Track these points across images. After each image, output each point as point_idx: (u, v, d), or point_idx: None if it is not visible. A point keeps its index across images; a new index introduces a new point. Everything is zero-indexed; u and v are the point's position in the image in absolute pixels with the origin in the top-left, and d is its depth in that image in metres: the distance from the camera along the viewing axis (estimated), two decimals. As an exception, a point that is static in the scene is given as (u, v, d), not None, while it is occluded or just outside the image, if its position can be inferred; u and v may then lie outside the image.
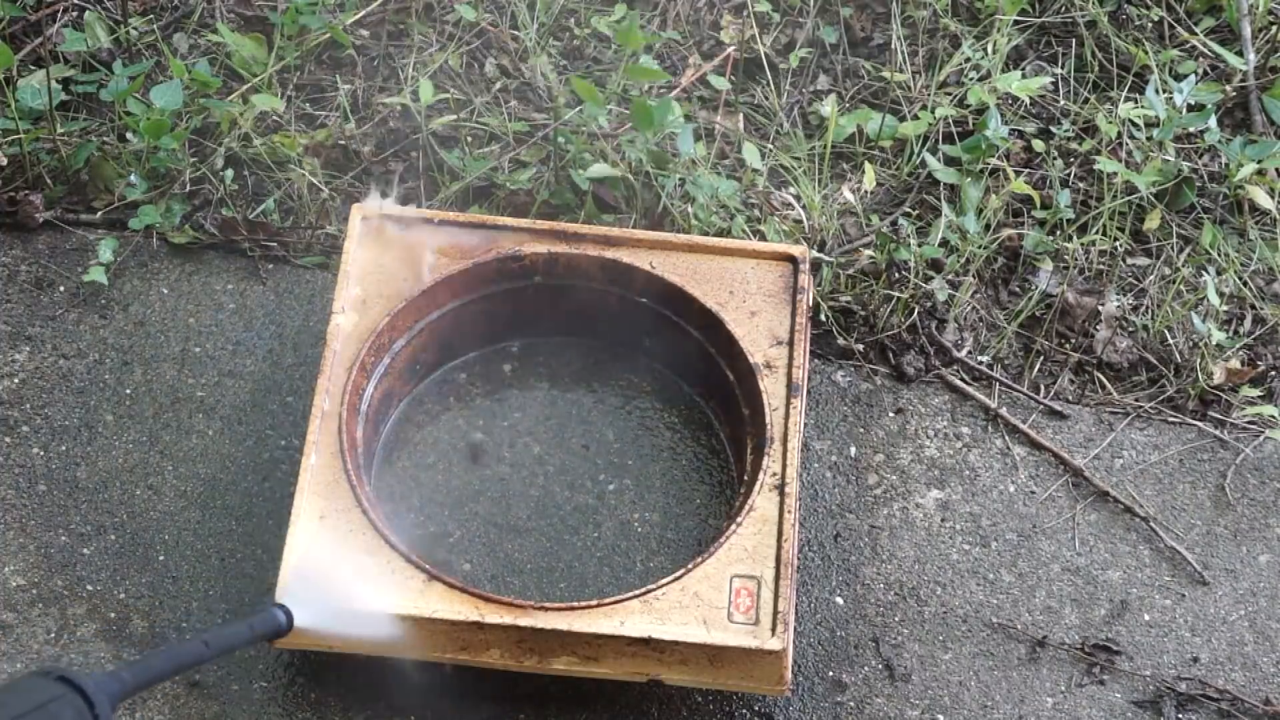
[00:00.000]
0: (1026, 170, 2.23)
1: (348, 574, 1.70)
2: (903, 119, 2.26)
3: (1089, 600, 1.91)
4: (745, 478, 1.83)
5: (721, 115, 2.28)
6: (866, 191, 2.19)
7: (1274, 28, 2.39)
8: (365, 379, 1.87)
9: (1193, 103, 2.25)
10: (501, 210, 2.15)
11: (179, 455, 1.96)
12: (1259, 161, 2.20)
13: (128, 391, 2.02)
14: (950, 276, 2.13)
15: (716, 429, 1.96)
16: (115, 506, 1.92)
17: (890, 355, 2.09)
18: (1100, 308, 2.12)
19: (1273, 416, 2.04)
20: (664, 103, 2.14)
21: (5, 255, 2.14)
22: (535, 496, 1.92)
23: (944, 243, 2.12)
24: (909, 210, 2.19)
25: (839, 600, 1.90)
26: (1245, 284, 2.16)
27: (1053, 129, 2.28)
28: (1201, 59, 2.36)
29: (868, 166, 2.19)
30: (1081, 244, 2.16)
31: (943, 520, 1.96)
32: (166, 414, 2.00)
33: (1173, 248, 2.19)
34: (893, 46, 2.32)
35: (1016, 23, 2.34)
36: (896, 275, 2.11)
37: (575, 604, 1.70)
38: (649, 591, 1.70)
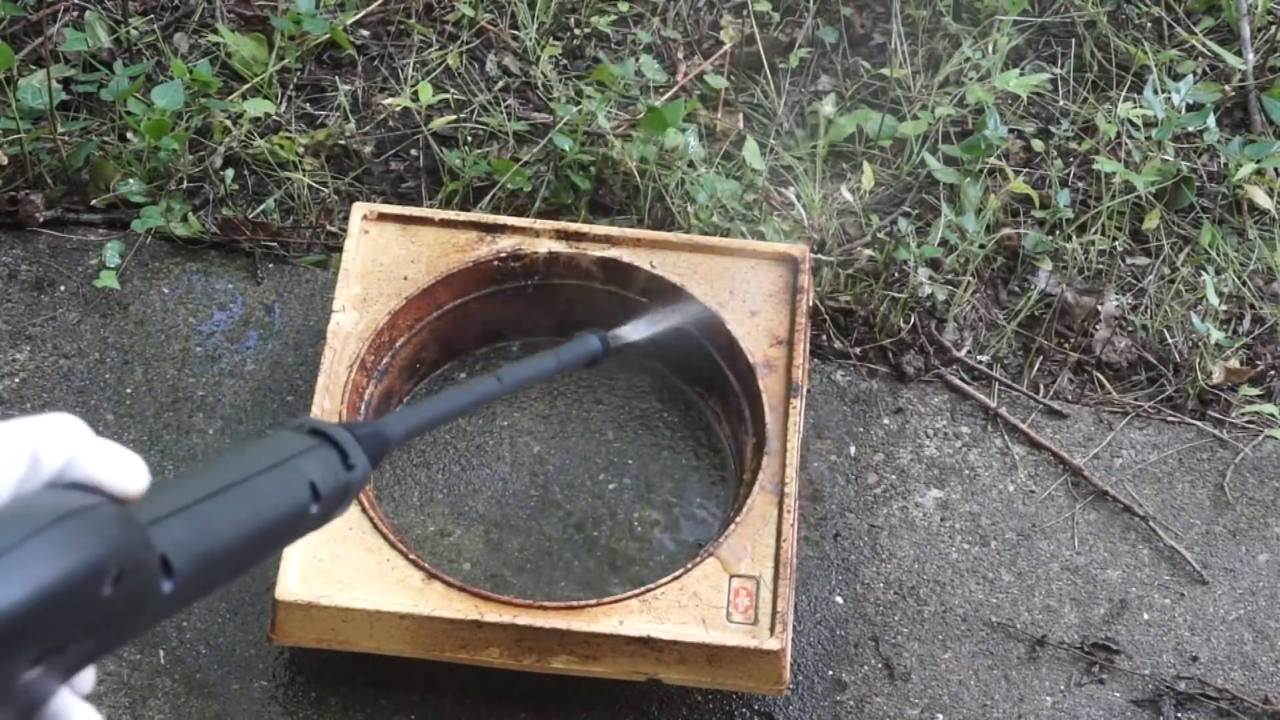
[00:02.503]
0: (1026, 170, 2.23)
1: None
2: (902, 119, 2.26)
3: (1088, 599, 1.91)
4: (745, 478, 1.83)
5: (722, 115, 2.29)
6: (866, 191, 2.19)
7: (1273, 27, 2.39)
8: (365, 378, 1.87)
9: (1191, 102, 2.25)
10: (501, 210, 2.15)
11: (179, 455, 1.96)
12: (1258, 161, 2.20)
13: (128, 391, 2.02)
14: (950, 276, 2.13)
15: (716, 429, 1.96)
16: (115, 506, 1.92)
17: (890, 355, 2.09)
18: (1099, 307, 2.12)
19: (1272, 415, 2.04)
20: (674, 105, 2.14)
21: (6, 255, 2.14)
22: (535, 496, 1.92)
23: (943, 242, 2.13)
24: (908, 210, 2.19)
25: (838, 599, 1.90)
26: (1244, 283, 2.16)
27: (1052, 129, 2.28)
28: (1200, 59, 2.36)
29: (866, 166, 2.19)
30: (1081, 243, 2.16)
31: (942, 519, 1.97)
32: (167, 413, 2.00)
33: (1172, 247, 2.19)
34: (893, 46, 2.33)
35: (1016, 22, 2.35)
36: (896, 275, 2.11)
37: (574, 603, 1.70)
38: (648, 591, 1.70)
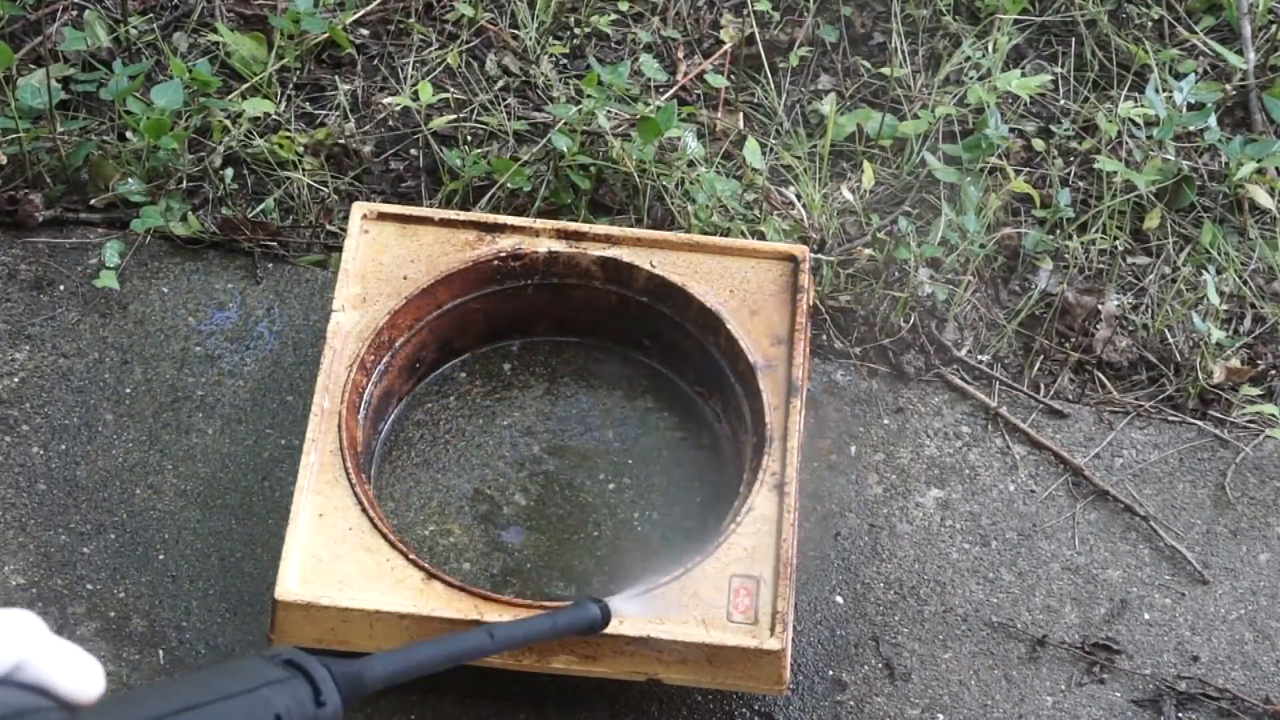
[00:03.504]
0: (1026, 169, 2.23)
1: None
2: (902, 118, 2.26)
3: (1089, 599, 1.91)
4: (745, 477, 1.83)
5: (721, 114, 2.28)
6: (866, 191, 2.19)
7: (1274, 27, 2.39)
8: (365, 377, 1.87)
9: (1192, 102, 2.25)
10: (501, 210, 2.15)
11: (179, 454, 1.96)
12: (1259, 160, 2.20)
13: (127, 390, 2.02)
14: (950, 275, 2.13)
15: (716, 429, 1.96)
16: (115, 505, 1.92)
17: (890, 354, 2.09)
18: (1100, 307, 2.12)
19: (1273, 415, 2.04)
20: (666, 110, 2.14)
21: (5, 254, 2.14)
22: (535, 496, 1.92)
23: (944, 242, 2.12)
24: (909, 209, 2.19)
25: (839, 599, 1.90)
26: (1245, 283, 2.16)
27: (1052, 128, 2.28)
28: (1201, 58, 2.36)
29: (867, 166, 2.19)
30: (1081, 243, 2.16)
31: (943, 519, 1.96)
32: (166, 413, 2.00)
33: (1173, 247, 2.19)
34: (893, 45, 2.32)
35: (1017, 22, 2.34)
36: (896, 275, 2.11)
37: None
38: (648, 591, 1.70)
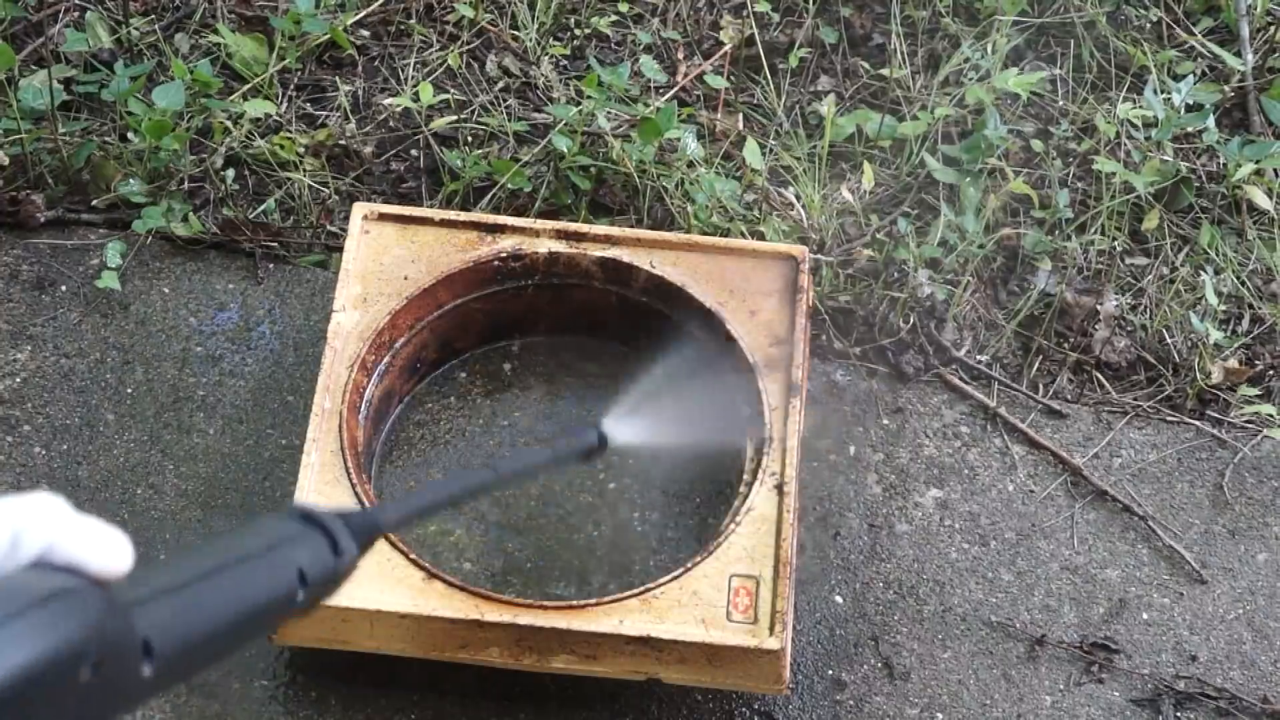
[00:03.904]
0: (1025, 170, 2.24)
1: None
2: (902, 119, 2.26)
3: (1087, 599, 1.91)
4: (745, 477, 1.83)
5: (721, 115, 2.29)
6: (866, 191, 2.19)
7: (1272, 28, 2.39)
8: (366, 377, 1.87)
9: (1191, 103, 2.25)
10: (502, 210, 2.15)
11: (180, 454, 1.96)
12: (1257, 162, 2.20)
13: (129, 391, 2.02)
14: (949, 276, 2.13)
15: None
16: (116, 505, 1.92)
17: (889, 355, 2.09)
18: (1099, 307, 2.12)
19: (1271, 415, 2.04)
20: (666, 110, 2.14)
21: (6, 255, 2.14)
22: (535, 496, 1.92)
23: (943, 242, 2.13)
24: (908, 210, 2.19)
25: (838, 599, 1.90)
26: (1243, 283, 2.16)
27: (1051, 129, 2.28)
28: (1200, 59, 2.36)
29: (867, 166, 2.19)
30: (1080, 244, 2.16)
31: (942, 519, 1.97)
32: (167, 413, 2.00)
33: (1171, 247, 2.19)
34: (892, 46, 2.33)
35: (1016, 23, 2.35)
36: (896, 275, 2.12)
37: (574, 603, 1.71)
38: (648, 590, 1.71)
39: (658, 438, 1.51)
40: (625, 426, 1.41)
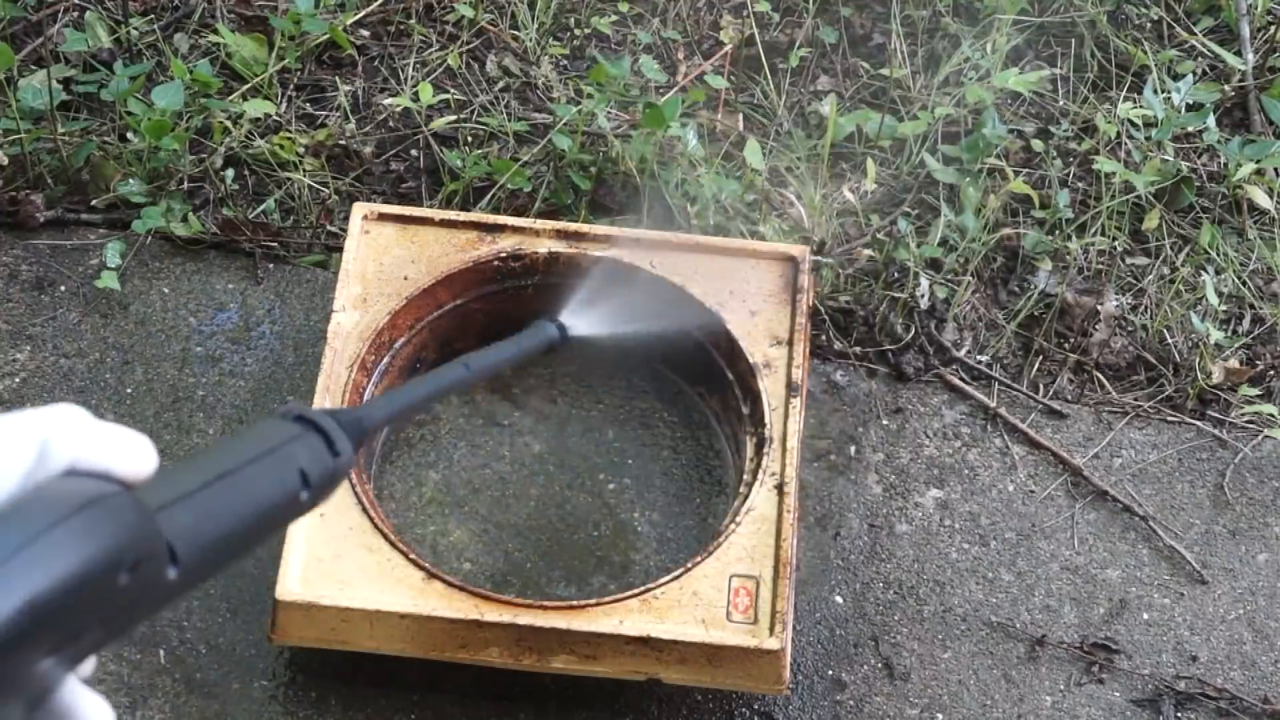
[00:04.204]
0: (1025, 170, 2.23)
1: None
2: (902, 119, 2.26)
3: (1088, 599, 1.91)
4: (745, 477, 1.83)
5: (721, 115, 2.29)
6: (867, 191, 2.19)
7: (1272, 28, 2.39)
8: (366, 378, 1.87)
9: (1191, 102, 2.25)
10: (501, 210, 2.15)
11: (180, 454, 1.96)
12: (1257, 161, 2.20)
13: (129, 391, 2.02)
14: (949, 276, 2.13)
15: (716, 429, 1.96)
16: (116, 506, 1.92)
17: (889, 355, 2.09)
18: (1099, 307, 2.12)
19: (1271, 415, 2.04)
20: (671, 100, 2.14)
21: (6, 255, 2.14)
22: (535, 496, 1.92)
23: (943, 242, 2.13)
24: (908, 210, 2.19)
25: (838, 599, 1.90)
26: (1244, 283, 2.16)
27: (1051, 129, 2.28)
28: (1200, 59, 2.36)
29: (870, 165, 2.19)
30: (1080, 244, 2.16)
31: (942, 519, 1.97)
32: (167, 413, 2.00)
33: (1171, 247, 2.19)
34: (892, 46, 2.33)
35: (1016, 22, 2.35)
36: (896, 275, 2.12)
37: (574, 603, 1.70)
38: (648, 590, 1.71)
39: (614, 328, 1.54)
40: (581, 319, 1.44)
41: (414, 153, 2.24)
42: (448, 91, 2.28)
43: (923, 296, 2.11)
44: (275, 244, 2.15)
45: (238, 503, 0.72)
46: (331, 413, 0.79)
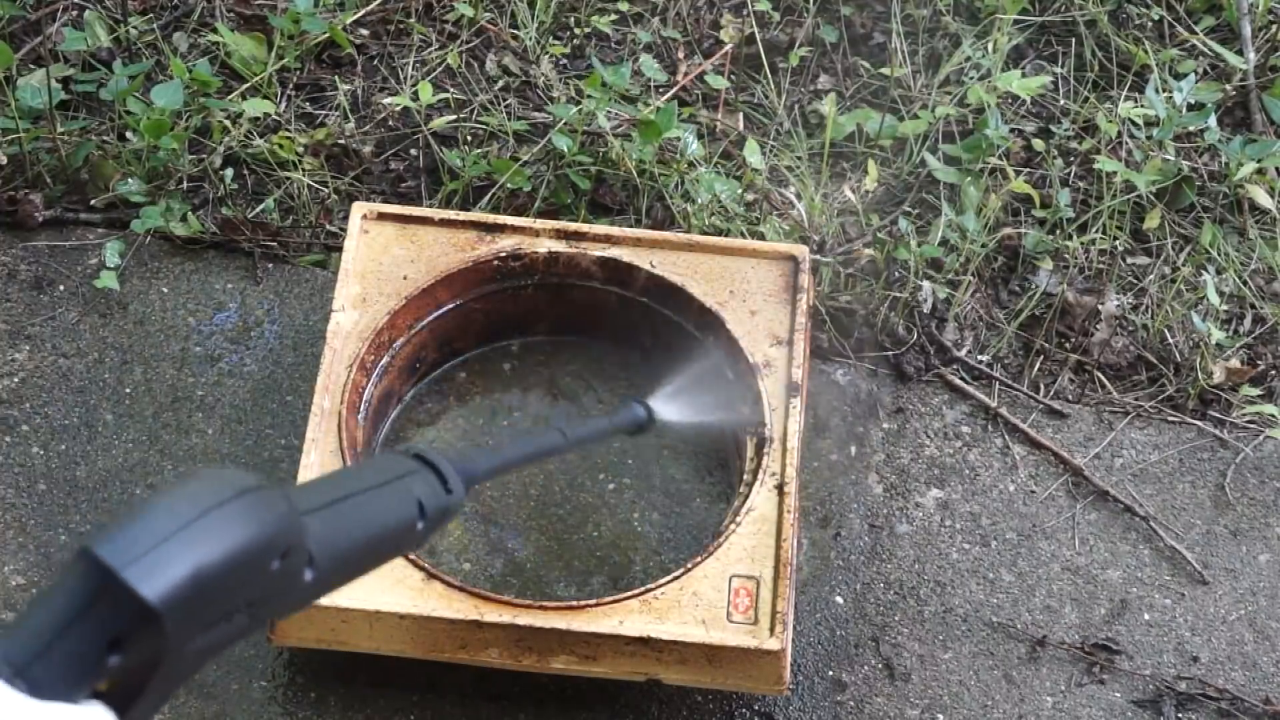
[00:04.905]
0: (1026, 169, 2.23)
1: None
2: (902, 118, 2.26)
3: (1089, 600, 1.91)
4: (745, 477, 1.83)
5: (722, 115, 2.28)
6: (867, 191, 2.19)
7: (1274, 27, 2.39)
8: (365, 377, 1.87)
9: (1192, 102, 2.25)
10: (501, 210, 2.15)
11: (179, 454, 1.96)
12: (1259, 161, 2.20)
13: (127, 390, 2.02)
14: (950, 276, 2.13)
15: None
16: (115, 505, 1.92)
17: (890, 355, 2.09)
18: (1100, 307, 2.12)
19: (1272, 415, 2.04)
20: (666, 111, 2.14)
21: (5, 254, 2.14)
22: (535, 496, 1.92)
23: (944, 242, 2.12)
24: (909, 210, 2.19)
25: (838, 599, 1.90)
26: (1245, 283, 2.16)
27: (1052, 128, 2.28)
28: (1201, 58, 2.36)
29: (870, 165, 2.19)
30: (1081, 243, 2.16)
31: (942, 520, 1.96)
32: (166, 413, 2.00)
33: (1172, 247, 2.19)
34: (893, 45, 2.32)
35: (1017, 22, 2.34)
36: (896, 275, 2.11)
37: (574, 603, 1.70)
38: (648, 591, 1.70)
39: (691, 415, 1.70)
40: (666, 406, 1.62)
41: (413, 152, 2.24)
42: (447, 91, 2.28)
43: (925, 300, 2.10)
44: (274, 244, 2.15)
45: (363, 521, 0.77)
46: (449, 457, 0.86)
